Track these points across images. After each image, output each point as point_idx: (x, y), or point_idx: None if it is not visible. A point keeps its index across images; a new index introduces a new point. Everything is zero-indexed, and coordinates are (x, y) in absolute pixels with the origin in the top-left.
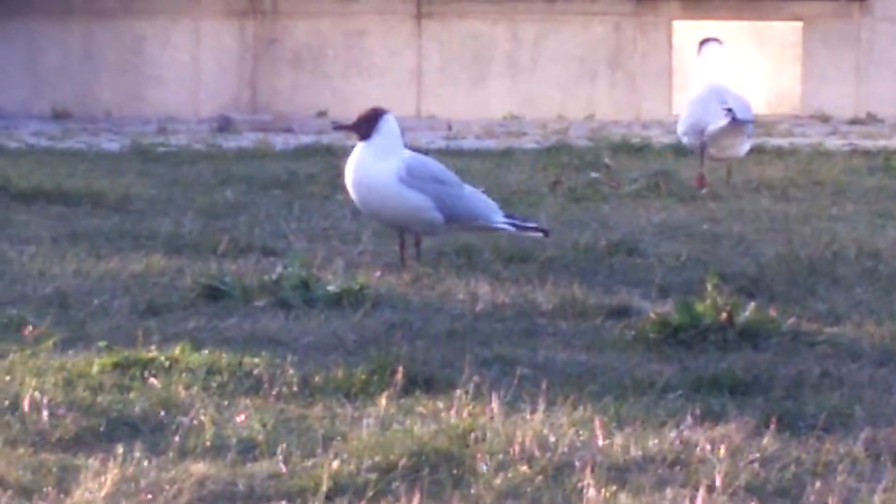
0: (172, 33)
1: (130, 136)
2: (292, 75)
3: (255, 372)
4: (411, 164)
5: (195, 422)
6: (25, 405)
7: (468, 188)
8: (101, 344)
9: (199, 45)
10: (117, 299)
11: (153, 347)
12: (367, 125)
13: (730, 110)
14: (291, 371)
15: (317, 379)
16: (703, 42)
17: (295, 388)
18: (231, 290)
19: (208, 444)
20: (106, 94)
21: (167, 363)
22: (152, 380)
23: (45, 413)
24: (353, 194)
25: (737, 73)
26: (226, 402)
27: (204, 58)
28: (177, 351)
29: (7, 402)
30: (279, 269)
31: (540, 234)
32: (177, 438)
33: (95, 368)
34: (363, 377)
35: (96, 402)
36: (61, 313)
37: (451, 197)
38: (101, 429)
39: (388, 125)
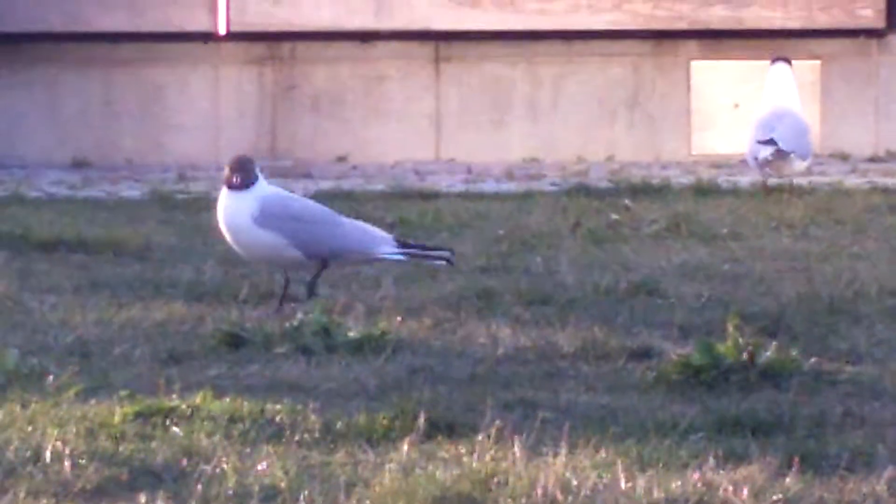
0: (192, 80)
1: (151, 184)
2: (312, 121)
3: (277, 419)
4: (266, 202)
5: (217, 470)
6: (47, 455)
7: (347, 223)
8: (123, 393)
9: (219, 92)
10: (139, 348)
11: (175, 396)
12: (252, 177)
13: (772, 141)
14: (313, 417)
15: (339, 425)
16: (772, 61)
17: (317, 435)
18: (252, 337)
19: (231, 492)
20: (126, 142)
21: (189, 411)
22: (174, 428)
23: (67, 463)
24: (225, 236)
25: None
26: (248, 450)
27: (223, 105)
28: (198, 399)
29: (29, 453)
30: (300, 315)
31: (443, 262)
32: (199, 487)
33: (117, 417)
34: (385, 423)
35: (118, 451)
36: (83, 362)
37: (310, 234)
38: (124, 478)
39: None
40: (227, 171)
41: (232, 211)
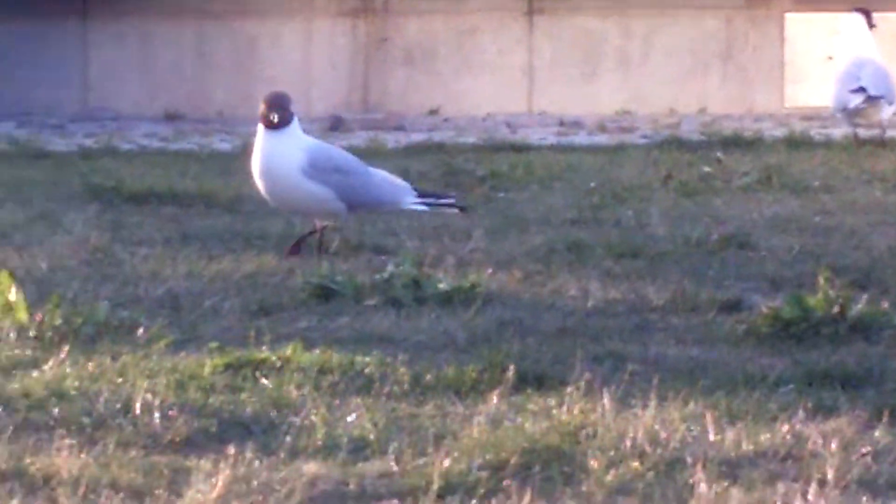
0: (284, 33)
1: (242, 137)
2: (404, 74)
3: (366, 371)
4: (314, 155)
5: (306, 422)
6: (137, 407)
7: (376, 173)
8: (213, 345)
9: (311, 45)
10: (229, 300)
11: (264, 348)
12: (289, 116)
13: (861, 89)
14: (402, 370)
15: (428, 377)
16: (851, 12)
17: (406, 387)
18: (342, 289)
19: (319, 443)
20: (218, 95)
21: (278, 363)
22: (264, 380)
23: (156, 415)
24: (259, 184)
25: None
26: (337, 402)
27: (316, 57)
28: (288, 351)
29: (119, 405)
30: (390, 267)
31: (456, 210)
32: (288, 438)
33: (207, 369)
34: (474, 375)
35: (208, 403)
36: (173, 315)
37: (354, 187)
38: (213, 430)
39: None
40: (263, 107)
41: (275, 158)
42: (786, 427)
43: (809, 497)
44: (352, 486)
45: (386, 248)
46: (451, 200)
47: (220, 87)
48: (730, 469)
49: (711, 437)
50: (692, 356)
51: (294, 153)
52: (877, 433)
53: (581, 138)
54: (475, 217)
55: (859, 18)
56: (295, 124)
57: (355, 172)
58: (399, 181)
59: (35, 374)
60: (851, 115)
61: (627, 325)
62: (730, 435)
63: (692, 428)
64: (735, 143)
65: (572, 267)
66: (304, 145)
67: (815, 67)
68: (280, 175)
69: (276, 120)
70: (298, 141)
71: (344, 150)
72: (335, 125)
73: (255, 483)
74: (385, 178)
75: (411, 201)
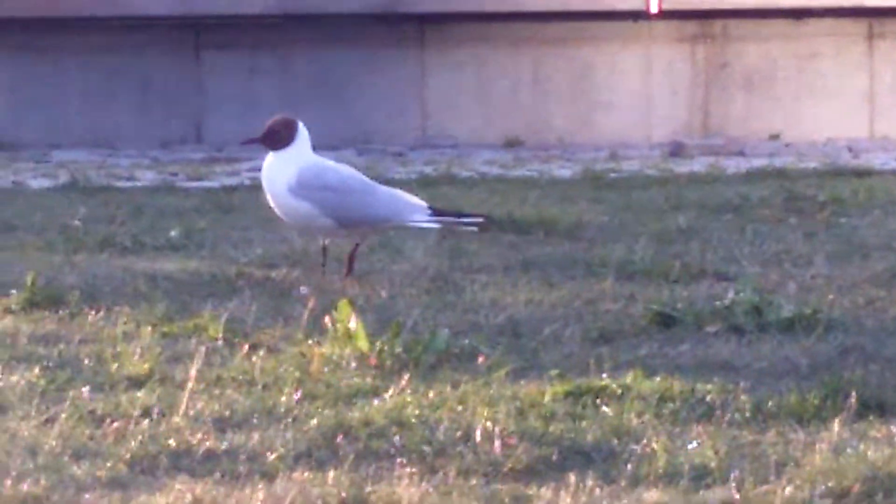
0: (622, 59)
1: (582, 163)
2: (744, 99)
3: (708, 398)
4: (303, 172)
5: (647, 449)
6: (478, 435)
7: (381, 191)
8: (553, 372)
9: (650, 71)
10: (569, 327)
11: (605, 375)
12: (280, 137)
13: None
14: (744, 397)
15: (769, 404)
16: None
17: (747, 414)
18: (683, 316)
19: (660, 471)
20: (556, 121)
21: (619, 391)
22: (604, 408)
23: (497, 443)
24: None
25: None
26: (678, 429)
27: (655, 83)
28: (629, 378)
29: (460, 433)
30: (731, 294)
31: (474, 228)
32: (629, 466)
33: (547, 397)
34: (816, 402)
35: (548, 431)
36: (513, 342)
37: (342, 203)
38: (554, 458)
39: (300, 135)
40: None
41: (270, 176)
42: None
43: None
44: None
45: (727, 275)
46: (476, 220)
47: (558, 113)
48: None
49: None
50: None
51: (286, 172)
52: None
53: None
54: (816, 243)
55: None
56: (298, 145)
57: (349, 191)
58: (411, 199)
59: (375, 402)
60: None
61: None
62: None
63: None
64: None
65: None
66: (299, 164)
67: None
68: (273, 192)
69: (264, 141)
70: (296, 160)
71: (351, 169)
72: (675, 151)
73: None
74: (391, 196)
75: (420, 219)
